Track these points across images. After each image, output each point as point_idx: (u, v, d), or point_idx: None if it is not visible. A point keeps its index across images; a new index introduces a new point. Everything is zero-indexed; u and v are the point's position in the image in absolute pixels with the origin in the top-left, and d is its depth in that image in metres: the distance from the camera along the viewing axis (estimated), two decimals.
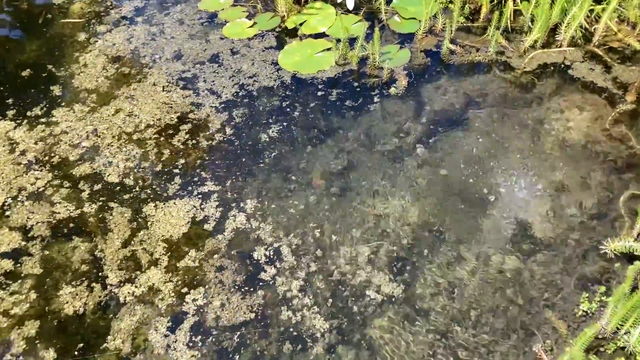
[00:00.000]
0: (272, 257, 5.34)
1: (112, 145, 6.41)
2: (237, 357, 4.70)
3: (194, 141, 6.37)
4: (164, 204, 5.81)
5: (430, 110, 6.54)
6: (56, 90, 7.12)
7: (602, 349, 4.44)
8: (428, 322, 4.81)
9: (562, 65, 6.90)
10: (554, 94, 6.60)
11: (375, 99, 6.73)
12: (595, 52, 6.82)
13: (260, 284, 5.11)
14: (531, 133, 6.19)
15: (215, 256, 5.29)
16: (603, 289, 4.71)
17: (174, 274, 5.20)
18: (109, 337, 4.85)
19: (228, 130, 6.46)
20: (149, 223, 5.65)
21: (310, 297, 4.97)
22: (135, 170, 6.10)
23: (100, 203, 5.85)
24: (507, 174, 5.80)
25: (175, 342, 4.79)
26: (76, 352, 4.84)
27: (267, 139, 6.39)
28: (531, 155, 5.93)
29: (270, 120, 6.53)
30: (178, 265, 5.29)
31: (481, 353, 4.55)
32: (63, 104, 6.95)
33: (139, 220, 5.68)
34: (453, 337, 4.69)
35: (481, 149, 5.98)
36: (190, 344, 4.80)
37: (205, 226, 5.52)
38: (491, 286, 4.94)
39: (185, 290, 5.16)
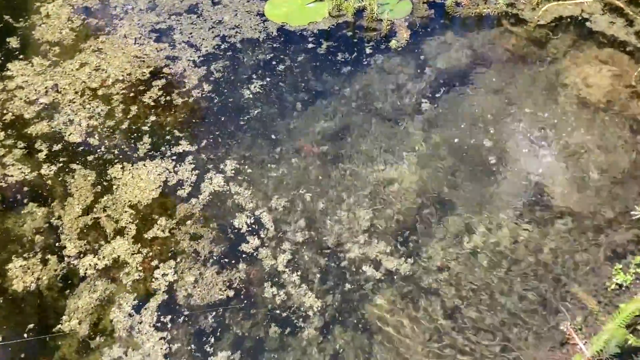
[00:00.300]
0: (255, 226, 4.66)
1: (74, 102, 5.66)
2: (214, 341, 4.04)
3: (167, 98, 5.64)
4: (133, 166, 5.10)
5: (434, 67, 5.85)
6: (13, 42, 6.32)
7: None
8: (435, 304, 4.18)
9: (580, 18, 6.22)
10: (570, 48, 5.94)
11: (373, 54, 6.02)
12: (616, 4, 6.14)
13: (242, 256, 4.45)
14: (546, 91, 5.53)
15: (190, 224, 4.61)
16: (639, 259, 4.09)
17: (142, 245, 4.50)
18: (64, 317, 4.17)
19: (206, 87, 5.74)
20: (115, 187, 4.94)
21: (299, 274, 4.31)
22: (100, 129, 5.37)
23: (60, 165, 5.11)
24: (520, 135, 5.15)
25: (140, 323, 4.12)
26: (26, 334, 4.15)
27: (251, 97, 5.67)
28: (547, 116, 5.28)
29: (254, 76, 5.81)
30: (147, 235, 4.60)
31: (499, 336, 3.94)
32: (21, 56, 6.14)
33: (104, 184, 4.96)
34: (464, 320, 4.07)
35: (490, 110, 5.32)
36: (159, 326, 4.13)
37: (179, 191, 4.83)
38: (506, 260, 4.31)
39: (154, 263, 4.47)
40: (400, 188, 4.69)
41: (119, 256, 4.49)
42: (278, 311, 4.14)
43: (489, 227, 4.46)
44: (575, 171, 4.84)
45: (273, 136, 5.29)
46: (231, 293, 4.22)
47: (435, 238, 4.41)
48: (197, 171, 5.01)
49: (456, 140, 5.12)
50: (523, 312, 4.04)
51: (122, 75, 5.92)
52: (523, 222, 4.47)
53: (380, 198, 4.68)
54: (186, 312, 4.14)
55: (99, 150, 5.22)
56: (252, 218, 4.67)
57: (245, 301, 4.15)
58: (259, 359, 3.92)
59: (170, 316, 4.13)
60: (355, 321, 4.07)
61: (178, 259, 4.42)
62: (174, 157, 5.12)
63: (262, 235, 4.48)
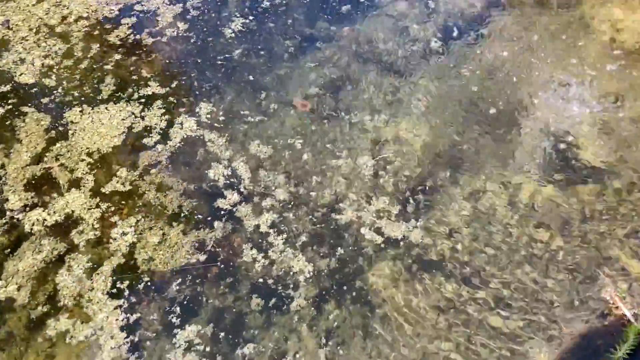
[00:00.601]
0: (233, 179, 3.96)
1: (27, 40, 4.88)
2: (181, 313, 3.37)
3: (137, 37, 4.87)
4: (93, 109, 4.36)
5: (445, 11, 5.13)
6: None
7: None
8: (445, 275, 3.53)
9: None
10: None
11: None
12: None
13: (218, 214, 3.76)
14: (570, 38, 4.83)
15: (155, 174, 3.90)
16: None
17: (101, 199, 3.79)
18: (0, 282, 3.46)
19: (182, 26, 4.98)
20: (71, 133, 4.20)
21: (284, 236, 3.64)
22: (57, 69, 4.61)
23: (9, 107, 4.36)
24: (541, 86, 4.47)
25: (92, 290, 3.43)
26: None
27: (232, 37, 4.92)
28: (572, 65, 4.60)
29: (238, 13, 5.04)
30: (106, 187, 3.89)
31: (526, 310, 3.32)
32: None
33: (59, 129, 4.22)
34: (484, 293, 3.43)
35: (507, 59, 4.62)
36: (114, 293, 3.44)
37: (146, 139, 4.10)
38: (529, 223, 3.66)
39: (114, 219, 3.78)
40: (405, 145, 4.00)
41: (72, 211, 3.78)
42: (259, 278, 3.46)
43: (508, 186, 3.79)
44: (605, 124, 4.17)
45: (257, 81, 4.57)
46: (202, 257, 3.52)
47: (444, 199, 3.75)
48: (167, 116, 4.28)
49: (469, 92, 4.44)
50: (554, 280, 3.39)
51: (87, 12, 5.14)
52: (546, 181, 3.81)
53: (381, 155, 3.99)
54: (147, 279, 3.45)
55: (55, 92, 4.48)
56: (230, 169, 3.97)
57: (221, 266, 3.47)
58: (237, 335, 3.25)
59: (128, 282, 3.43)
60: (353, 294, 3.41)
61: (140, 216, 3.72)
62: (142, 101, 4.38)
63: (242, 190, 3.78)
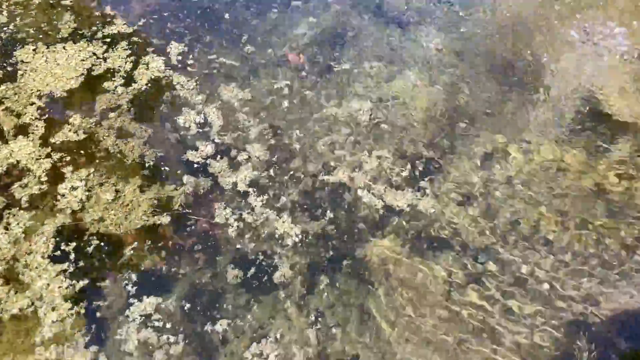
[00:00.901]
0: (206, 128, 3.39)
1: None
2: (139, 281, 2.82)
3: None
4: (49, 48, 3.76)
5: None
6: None
7: None
8: (455, 247, 2.98)
9: None
10: None
11: None
12: None
13: (187, 168, 3.21)
14: None
15: (114, 118, 3.31)
16: None
17: (52, 149, 3.23)
18: None
19: None
20: (20, 74, 3.61)
21: (265, 197, 3.08)
22: (8, 3, 3.98)
23: None
24: (567, 35, 3.88)
25: (30, 254, 2.86)
26: None
27: None
28: (599, 11, 4.01)
29: None
30: (56, 136, 3.31)
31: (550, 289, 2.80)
32: None
33: (7, 69, 3.63)
34: (498, 268, 2.89)
35: (526, 8, 4.02)
36: (57, 257, 2.88)
37: (106, 83, 3.51)
38: (549, 188, 3.11)
39: (64, 172, 3.21)
40: (408, 103, 3.43)
41: (17, 162, 3.20)
42: (236, 244, 2.90)
43: (524, 148, 3.23)
44: (637, 76, 3.60)
45: (239, 21, 3.95)
46: (166, 219, 2.96)
47: (453, 163, 3.20)
48: (132, 58, 3.68)
49: (481, 46, 3.86)
50: (582, 256, 2.84)
51: None
52: (569, 142, 3.26)
53: (381, 112, 3.41)
54: (96, 241, 2.88)
55: (5, 29, 3.86)
56: (203, 116, 3.38)
57: (191, 228, 2.91)
58: (208, 311, 2.71)
59: (75, 244, 2.87)
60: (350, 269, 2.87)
61: (94, 168, 3.14)
62: (106, 40, 3.77)
63: (217, 141, 3.21)
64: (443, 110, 3.57)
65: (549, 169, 3.32)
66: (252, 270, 2.93)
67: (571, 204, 3.18)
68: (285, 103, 3.52)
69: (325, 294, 2.86)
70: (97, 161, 3.23)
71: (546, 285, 2.89)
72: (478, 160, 3.35)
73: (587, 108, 3.58)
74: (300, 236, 3.02)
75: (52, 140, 3.33)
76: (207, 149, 3.33)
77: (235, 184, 3.22)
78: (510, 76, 3.76)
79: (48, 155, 3.28)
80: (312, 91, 3.59)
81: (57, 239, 2.94)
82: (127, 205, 3.03)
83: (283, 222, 3.06)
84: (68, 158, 3.25)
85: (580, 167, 3.31)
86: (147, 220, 3.00)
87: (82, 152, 3.28)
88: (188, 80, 3.60)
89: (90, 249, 2.92)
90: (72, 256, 2.90)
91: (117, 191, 3.09)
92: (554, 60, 3.85)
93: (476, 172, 3.30)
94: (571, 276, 2.93)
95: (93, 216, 3.01)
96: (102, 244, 2.94)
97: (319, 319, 2.78)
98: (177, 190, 3.13)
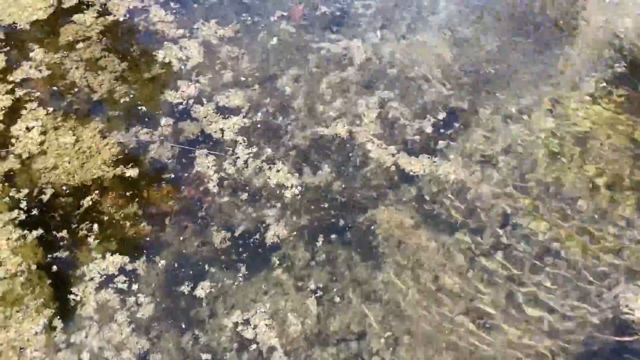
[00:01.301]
0: (188, 62, 2.94)
1: None
2: (103, 238, 2.39)
3: None
4: None
5: None
6: None
7: None
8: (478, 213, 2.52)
9: None
10: None
11: None
12: None
13: (166, 110, 2.76)
14: None
15: (84, 49, 2.88)
16: None
17: (15, 85, 2.81)
18: None
19: None
20: None
21: (254, 149, 2.65)
22: None
23: None
24: None
25: None
26: None
27: None
28: None
29: None
30: (17, 72, 2.88)
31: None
32: None
33: None
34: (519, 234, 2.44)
35: None
36: (6, 204, 2.47)
37: (78, 15, 3.06)
38: (580, 151, 2.67)
39: (21, 112, 2.78)
40: (428, 59, 2.97)
41: None
42: (218, 199, 2.48)
43: (552, 108, 2.78)
44: None
45: None
46: (133, 172, 2.52)
47: (475, 124, 2.74)
48: None
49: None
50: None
51: None
52: (602, 99, 2.80)
53: (397, 64, 2.96)
54: (50, 190, 2.45)
55: None
56: (187, 52, 2.93)
57: (169, 175, 2.48)
58: (184, 273, 2.29)
59: (27, 190, 2.44)
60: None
61: (52, 107, 2.70)
62: None
63: (202, 81, 2.77)
64: (466, 66, 3.11)
65: (580, 127, 2.87)
66: (240, 231, 2.49)
67: (605, 163, 2.73)
68: (276, 38, 3.06)
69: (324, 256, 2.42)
70: (60, 95, 2.79)
71: (579, 257, 2.45)
72: (503, 119, 2.90)
73: (622, 63, 3.11)
74: (299, 189, 2.58)
75: (10, 78, 2.89)
76: (190, 89, 2.88)
77: (221, 131, 2.78)
78: (534, 29, 3.29)
79: (12, 92, 2.85)
80: (311, 33, 3.13)
81: (6, 184, 2.50)
82: (85, 151, 2.59)
83: (278, 171, 2.62)
84: (30, 96, 2.82)
85: (614, 124, 2.86)
86: (115, 170, 2.56)
87: (43, 87, 2.85)
88: (168, 14, 3.14)
89: (46, 198, 2.49)
90: (24, 204, 2.47)
91: (78, 135, 2.65)
92: (585, 12, 3.38)
93: (501, 132, 2.84)
94: (604, 245, 2.49)
95: (46, 163, 2.56)
96: (58, 192, 2.51)
97: (319, 290, 2.34)
98: (152, 135, 2.69)
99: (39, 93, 2.83)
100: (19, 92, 2.85)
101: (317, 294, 2.31)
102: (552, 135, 2.87)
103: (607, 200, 2.64)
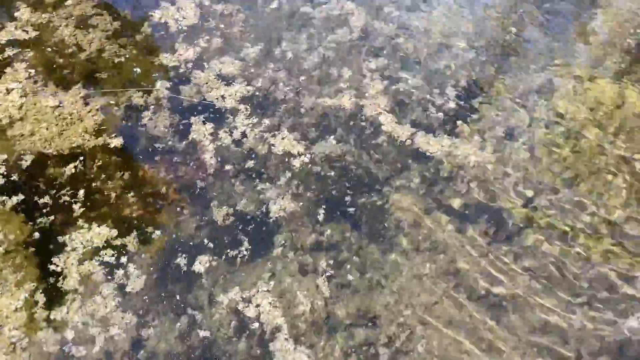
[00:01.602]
0: (185, 22, 2.72)
1: None
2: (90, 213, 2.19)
3: None
4: None
5: None
6: None
7: None
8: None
9: None
10: None
11: None
12: None
13: (160, 73, 2.51)
14: None
15: (74, 5, 2.67)
16: None
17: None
18: None
19: None
20: None
21: (256, 119, 2.44)
22: None
23: None
24: None
25: None
26: None
27: None
28: None
29: None
30: (3, 34, 2.68)
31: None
32: None
33: None
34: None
35: None
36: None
37: None
38: (608, 128, 2.48)
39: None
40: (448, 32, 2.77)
41: None
42: (218, 171, 2.28)
43: (576, 84, 2.58)
44: None
45: None
46: (117, 141, 2.31)
47: (493, 100, 2.54)
48: None
49: None
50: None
51: None
52: (624, 76, 2.61)
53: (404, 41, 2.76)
54: (30, 159, 2.24)
55: None
56: (182, 12, 2.72)
57: (162, 146, 2.28)
58: (170, 247, 2.09)
59: (5, 156, 2.24)
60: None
61: (38, 64, 2.49)
62: None
63: (201, 44, 2.57)
64: (488, 41, 2.91)
65: (603, 105, 2.67)
66: (239, 208, 2.27)
67: (630, 141, 2.54)
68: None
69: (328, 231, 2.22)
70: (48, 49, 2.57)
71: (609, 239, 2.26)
72: (524, 97, 2.69)
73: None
74: (305, 153, 2.37)
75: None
76: (188, 53, 2.67)
77: (222, 98, 2.57)
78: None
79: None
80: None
81: None
82: (67, 118, 2.35)
83: (282, 138, 2.42)
84: (14, 55, 2.60)
85: (638, 101, 2.66)
86: (85, 141, 2.32)
87: (29, 48, 2.63)
88: None
89: (26, 166, 2.27)
90: (3, 170, 2.25)
91: (60, 101, 2.42)
92: None
93: (523, 110, 2.64)
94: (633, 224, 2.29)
95: (23, 130, 2.33)
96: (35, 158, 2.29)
97: (328, 270, 2.14)
98: (145, 97, 2.48)
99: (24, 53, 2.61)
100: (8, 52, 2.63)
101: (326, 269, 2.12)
102: (572, 112, 2.67)
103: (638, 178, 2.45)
